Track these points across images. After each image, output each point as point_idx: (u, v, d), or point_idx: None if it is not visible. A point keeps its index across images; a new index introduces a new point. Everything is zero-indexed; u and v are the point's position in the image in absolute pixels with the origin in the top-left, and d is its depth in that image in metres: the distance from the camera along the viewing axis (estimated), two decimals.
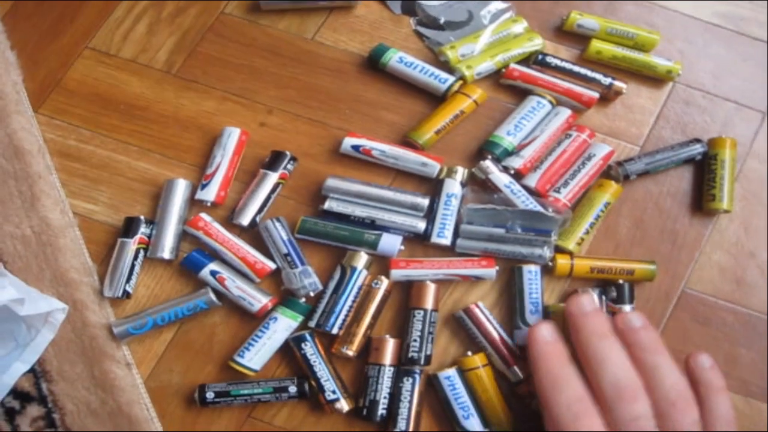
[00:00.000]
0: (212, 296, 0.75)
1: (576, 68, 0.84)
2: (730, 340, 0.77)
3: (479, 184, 0.80)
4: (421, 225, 0.77)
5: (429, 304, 0.75)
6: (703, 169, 0.82)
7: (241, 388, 0.73)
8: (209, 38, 0.88)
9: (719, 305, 0.79)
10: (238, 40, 0.88)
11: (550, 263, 0.77)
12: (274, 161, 0.79)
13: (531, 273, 0.76)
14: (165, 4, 0.89)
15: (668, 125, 0.85)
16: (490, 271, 0.76)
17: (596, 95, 0.83)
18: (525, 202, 0.76)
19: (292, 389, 0.73)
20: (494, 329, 0.75)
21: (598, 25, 0.85)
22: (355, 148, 0.80)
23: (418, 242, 0.79)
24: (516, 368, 0.74)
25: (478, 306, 0.75)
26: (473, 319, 0.75)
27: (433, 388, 0.75)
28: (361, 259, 0.76)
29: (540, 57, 0.84)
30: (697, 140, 0.82)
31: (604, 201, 0.78)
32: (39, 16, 0.89)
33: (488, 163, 0.79)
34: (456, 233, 0.78)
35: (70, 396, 0.74)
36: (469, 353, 0.74)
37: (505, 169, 0.79)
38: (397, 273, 0.76)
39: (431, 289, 0.75)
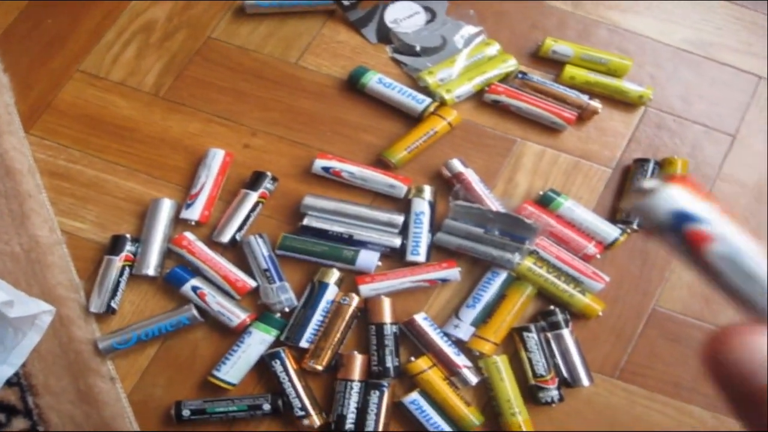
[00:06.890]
0: (195, 312, 0.76)
1: (555, 86, 0.86)
2: (699, 357, 0.78)
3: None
4: (397, 241, 0.78)
5: (386, 317, 0.76)
6: None
7: (216, 406, 0.74)
8: (196, 62, 0.90)
9: (688, 323, 0.80)
10: (224, 64, 0.90)
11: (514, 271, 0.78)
12: (254, 181, 0.81)
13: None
14: (154, 30, 0.92)
15: (640, 148, 0.87)
16: (454, 272, 0.78)
17: (575, 113, 0.85)
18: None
19: (266, 407, 0.74)
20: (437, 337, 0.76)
21: (573, 52, 0.87)
22: (326, 169, 0.82)
23: (388, 258, 0.80)
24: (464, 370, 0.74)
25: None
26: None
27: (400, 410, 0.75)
28: (332, 275, 0.77)
29: (520, 75, 0.86)
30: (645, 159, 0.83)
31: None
32: (32, 40, 0.91)
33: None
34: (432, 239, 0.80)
35: (55, 409, 0.76)
36: (413, 358, 0.75)
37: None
38: (365, 288, 0.77)
39: (386, 303, 0.76)
